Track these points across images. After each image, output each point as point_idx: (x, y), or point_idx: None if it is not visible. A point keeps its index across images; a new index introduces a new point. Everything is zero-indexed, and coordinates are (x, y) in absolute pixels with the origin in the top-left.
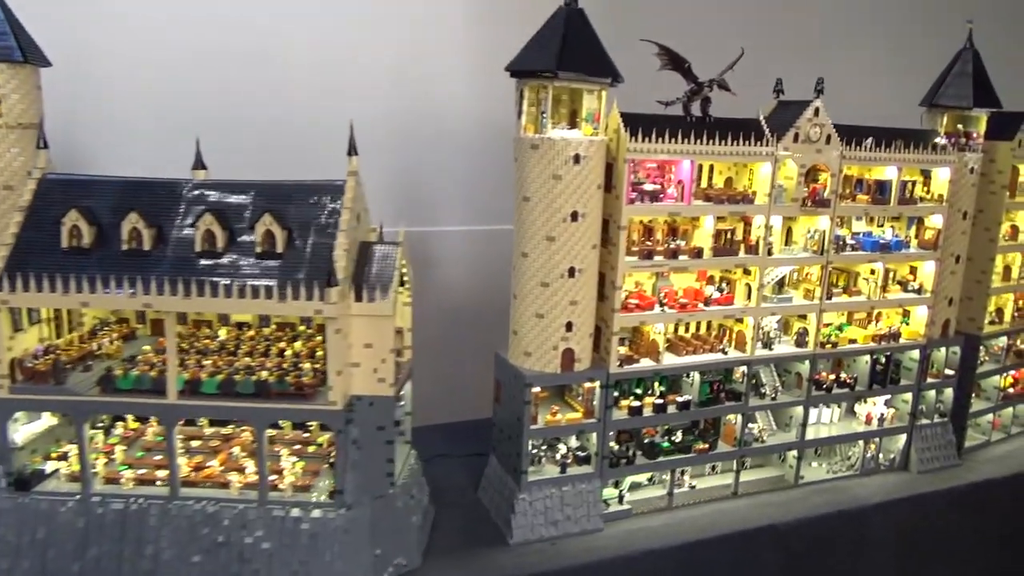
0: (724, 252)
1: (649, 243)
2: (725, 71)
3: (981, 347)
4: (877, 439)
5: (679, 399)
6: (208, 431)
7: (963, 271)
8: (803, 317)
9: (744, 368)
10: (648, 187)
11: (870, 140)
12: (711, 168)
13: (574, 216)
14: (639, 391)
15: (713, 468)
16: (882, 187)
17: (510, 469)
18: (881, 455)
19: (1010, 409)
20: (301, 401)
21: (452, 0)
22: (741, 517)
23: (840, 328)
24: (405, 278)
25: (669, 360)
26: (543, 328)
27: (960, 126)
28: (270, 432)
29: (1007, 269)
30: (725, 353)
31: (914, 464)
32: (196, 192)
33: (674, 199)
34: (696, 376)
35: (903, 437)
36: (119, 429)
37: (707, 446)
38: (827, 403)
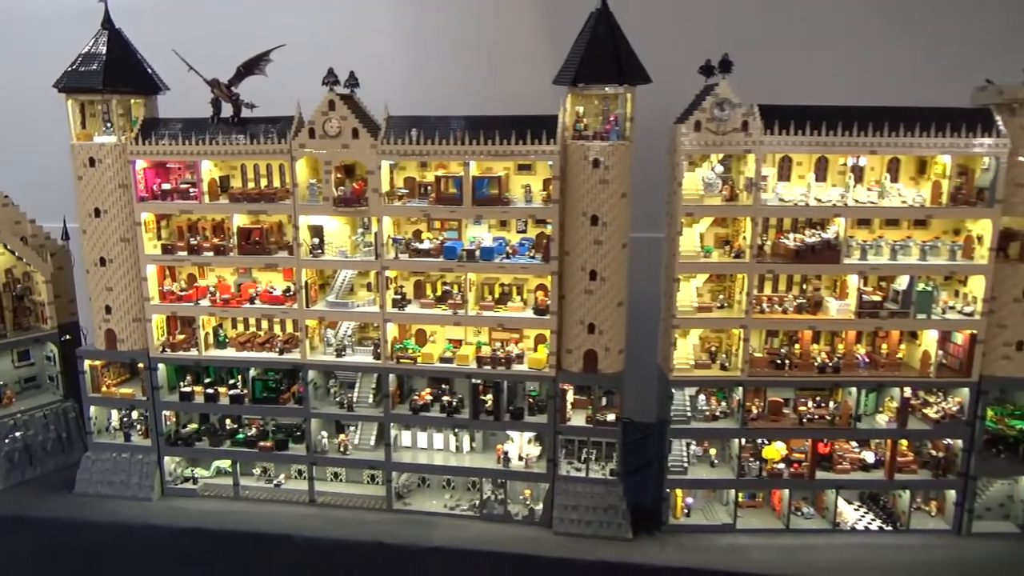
0: (252, 251)
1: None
2: (239, 76)
3: (704, 395)
4: (513, 481)
5: (231, 393)
6: None
7: (609, 291)
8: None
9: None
10: (166, 187)
11: (414, 132)
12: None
13: (96, 212)
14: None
15: (336, 475)
16: (480, 184)
17: None
18: (529, 503)
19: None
20: None
21: None
22: (279, 521)
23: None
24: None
25: (223, 353)
26: (94, 310)
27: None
28: None
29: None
30: (281, 354)
31: (556, 522)
32: None
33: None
34: (252, 372)
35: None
36: None
37: (272, 444)
38: (410, 424)
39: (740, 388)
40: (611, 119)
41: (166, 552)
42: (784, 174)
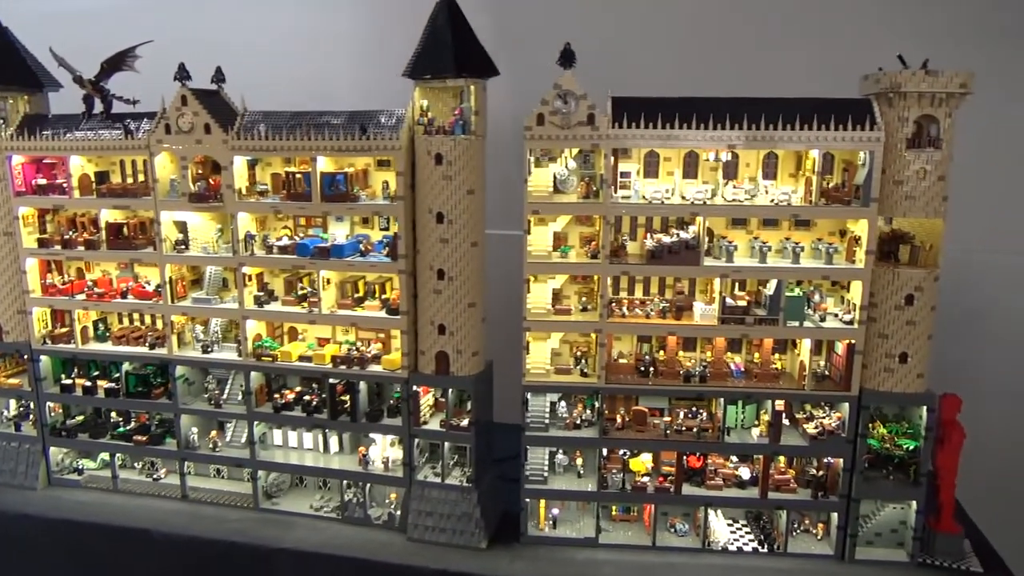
0: (120, 246)
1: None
2: (105, 72)
3: (567, 402)
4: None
5: (107, 386)
6: None
7: (458, 291)
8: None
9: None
10: (42, 181)
11: (262, 127)
12: None
13: None
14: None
15: (218, 472)
16: (329, 180)
17: None
18: (392, 507)
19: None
20: None
21: None
22: (146, 515)
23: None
24: None
25: (99, 347)
26: None
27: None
28: None
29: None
30: (151, 349)
31: (410, 528)
32: None
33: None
34: (126, 366)
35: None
36: None
37: (146, 439)
38: (282, 423)
39: (598, 395)
40: (455, 112)
41: (34, 542)
42: (652, 170)
